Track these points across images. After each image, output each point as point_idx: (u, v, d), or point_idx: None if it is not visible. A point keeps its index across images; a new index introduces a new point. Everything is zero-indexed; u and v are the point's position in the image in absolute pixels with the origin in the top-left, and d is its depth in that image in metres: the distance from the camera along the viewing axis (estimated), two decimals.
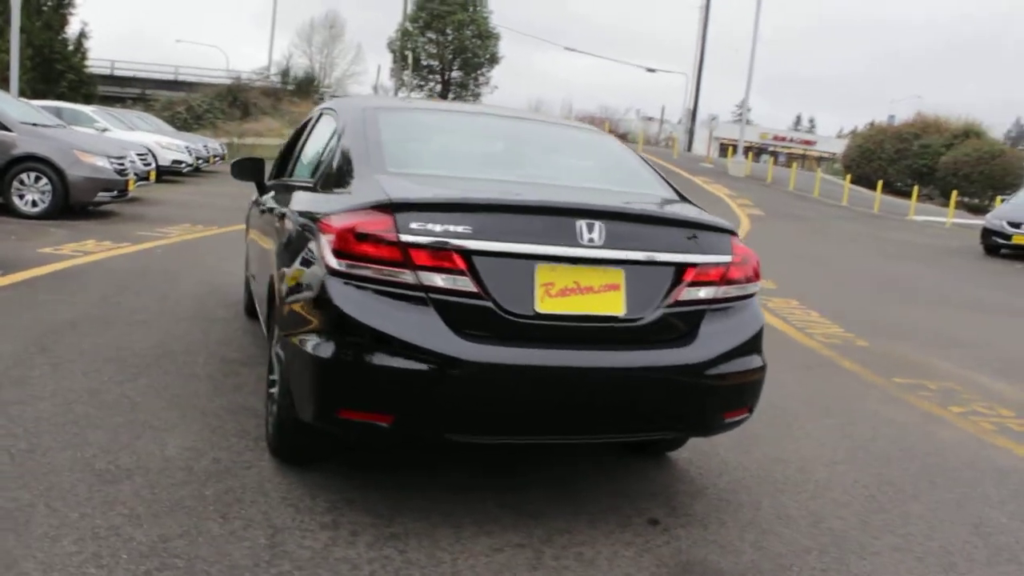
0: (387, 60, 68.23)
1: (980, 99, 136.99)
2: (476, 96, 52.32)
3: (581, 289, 2.92)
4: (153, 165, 13.05)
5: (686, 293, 3.08)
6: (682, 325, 3.08)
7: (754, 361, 3.23)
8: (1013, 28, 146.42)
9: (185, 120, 25.10)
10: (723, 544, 3.17)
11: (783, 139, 79.55)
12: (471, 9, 49.34)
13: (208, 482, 3.20)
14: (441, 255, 2.78)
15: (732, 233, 3.26)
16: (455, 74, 51.21)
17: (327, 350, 2.81)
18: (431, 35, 49.45)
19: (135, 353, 4.79)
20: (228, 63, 73.32)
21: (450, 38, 49.65)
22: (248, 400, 4.19)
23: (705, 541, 3.18)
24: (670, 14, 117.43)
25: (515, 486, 3.47)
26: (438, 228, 2.78)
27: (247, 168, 5.24)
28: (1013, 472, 4.36)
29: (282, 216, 3.70)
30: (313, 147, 4.16)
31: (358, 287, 2.81)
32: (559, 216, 2.92)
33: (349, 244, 2.81)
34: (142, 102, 29.94)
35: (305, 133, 4.48)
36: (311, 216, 3.18)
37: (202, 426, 3.77)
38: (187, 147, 17.10)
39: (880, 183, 31.01)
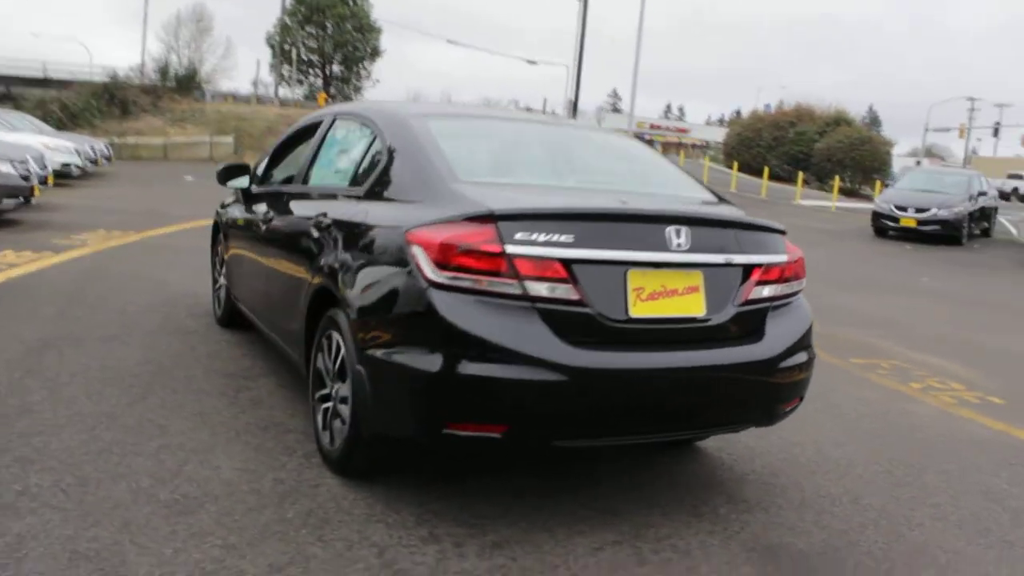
0: (264, 55, 66.01)
1: (836, 86, 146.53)
2: (357, 90, 51.43)
3: (667, 292, 3.01)
4: (49, 169, 12.16)
5: (754, 292, 3.22)
6: (751, 323, 3.22)
7: (808, 353, 3.41)
8: (865, 19, 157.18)
9: (60, 120, 23.45)
10: (790, 526, 3.34)
11: (658, 127, 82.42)
12: (352, 3, 48.41)
13: (284, 504, 3.09)
14: (544, 264, 2.80)
15: (784, 233, 3.42)
16: (336, 68, 50.15)
17: (434, 363, 2.78)
18: (311, 29, 48.16)
19: (128, 372, 4.52)
20: (91, 58, 68.91)
21: (330, 32, 48.53)
22: (274, 415, 4.04)
23: (774, 525, 3.34)
24: (550, 7, 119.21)
25: (580, 485, 3.52)
26: (541, 238, 2.81)
27: (235, 174, 5.04)
28: (988, 442, 4.77)
29: (326, 225, 3.57)
30: (341, 154, 4.03)
31: (463, 299, 2.78)
32: (650, 223, 3.02)
33: (452, 256, 2.79)
34: (8, 100, 27.78)
35: (316, 139, 4.32)
36: (387, 227, 3.10)
37: (242, 446, 3.62)
38: (76, 148, 16.01)
39: (767, 170, 32.54)
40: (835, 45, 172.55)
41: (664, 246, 3.00)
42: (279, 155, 5.20)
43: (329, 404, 3.45)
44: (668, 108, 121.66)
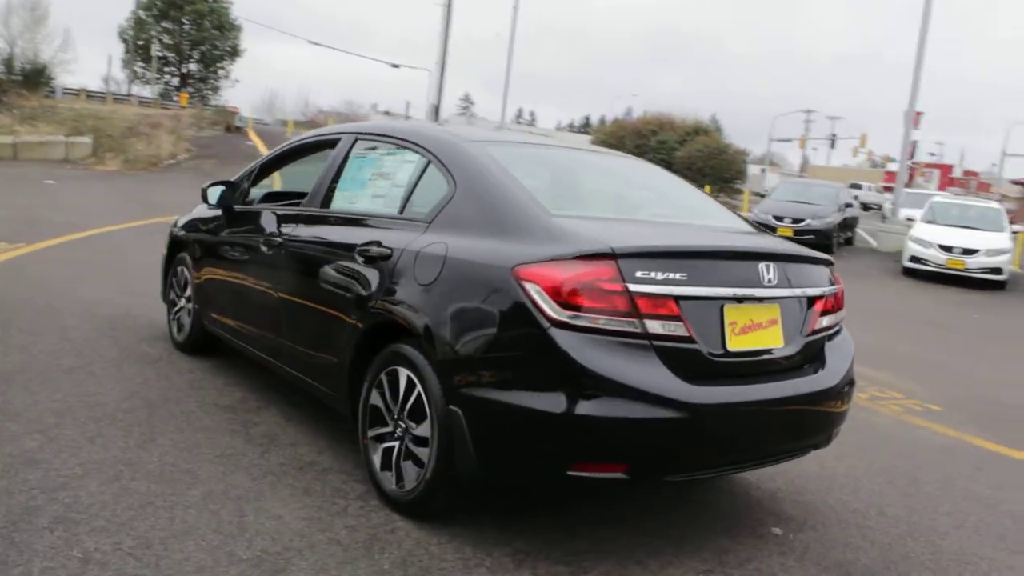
0: (114, 49, 61.70)
1: (685, 96, 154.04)
2: (216, 90, 49.21)
3: (754, 326, 3.10)
4: None
5: (818, 322, 3.36)
6: (815, 352, 3.37)
7: (854, 379, 3.59)
8: (705, 30, 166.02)
9: None
10: (844, 543, 3.52)
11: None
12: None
13: (374, 554, 2.92)
14: (661, 302, 2.82)
15: (832, 264, 3.59)
16: (193, 67, 47.75)
17: (559, 404, 2.72)
18: (167, 25, 45.60)
19: (118, 409, 4.12)
20: None
21: (188, 29, 46.16)
22: (301, 453, 3.81)
23: (830, 542, 3.50)
24: (409, 9, 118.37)
25: (638, 514, 3.54)
26: (659, 276, 2.83)
27: (216, 192, 4.74)
28: (952, 449, 5.19)
29: (381, 255, 3.40)
30: (377, 179, 3.84)
31: (585, 338, 2.75)
32: (747, 260, 3.10)
33: (574, 294, 2.75)
34: None
35: (334, 160, 4.09)
36: (482, 262, 2.99)
37: (288, 490, 3.40)
38: None
39: None
40: (679, 57, 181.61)
41: (757, 281, 3.09)
42: (265, 173, 4.92)
43: (391, 444, 3.30)
44: (519, 112, 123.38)
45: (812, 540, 3.50)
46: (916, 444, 5.17)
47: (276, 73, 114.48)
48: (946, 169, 67.79)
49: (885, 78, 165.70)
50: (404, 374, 3.23)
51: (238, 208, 4.82)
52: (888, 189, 53.57)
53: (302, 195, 5.16)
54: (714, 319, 2.98)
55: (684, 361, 2.87)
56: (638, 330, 2.79)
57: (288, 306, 4.04)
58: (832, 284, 3.51)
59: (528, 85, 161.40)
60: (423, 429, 3.13)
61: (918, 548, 3.55)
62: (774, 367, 3.19)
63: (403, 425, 3.25)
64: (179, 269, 5.44)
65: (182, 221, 5.61)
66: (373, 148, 4.00)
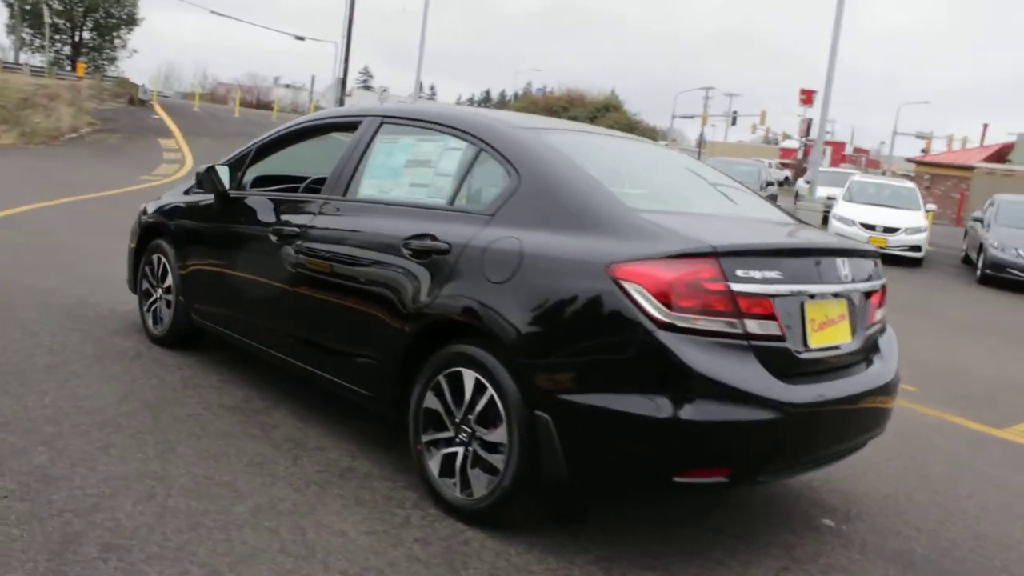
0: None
1: (585, 70, 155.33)
2: (111, 60, 46.50)
3: (829, 322, 3.06)
4: None
5: (875, 315, 3.36)
6: (873, 345, 3.37)
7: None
8: (607, 5, 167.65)
9: None
10: (894, 532, 3.56)
11: None
12: None
13: (457, 569, 2.75)
14: (758, 301, 2.76)
15: (879, 256, 3.59)
16: (87, 35, 44.90)
17: (666, 409, 2.61)
18: None
19: (118, 414, 3.77)
20: None
21: None
22: (334, 459, 3.57)
23: (882, 532, 3.53)
24: None
25: (696, 511, 3.48)
26: (757, 275, 2.77)
27: (212, 176, 4.39)
28: (940, 428, 5.37)
29: (436, 249, 3.18)
30: (416, 167, 3.58)
31: (689, 339, 2.64)
32: (827, 256, 3.07)
33: (678, 294, 2.64)
34: None
35: (356, 145, 3.80)
36: (568, 258, 2.83)
37: (339, 501, 3.17)
38: None
39: None
40: (581, 33, 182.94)
41: (836, 278, 3.06)
42: (262, 156, 4.58)
43: (453, 450, 3.12)
44: (420, 86, 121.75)
45: (865, 530, 3.52)
46: (905, 425, 5.31)
47: (175, 44, 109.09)
48: (838, 146, 70.63)
49: (784, 58, 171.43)
50: (470, 376, 3.04)
51: (234, 193, 4.47)
52: (785, 166, 55.51)
53: (294, 179, 4.89)
54: (797, 316, 2.92)
55: (777, 360, 2.81)
56: (738, 330, 2.71)
57: (310, 302, 3.76)
58: (880, 277, 3.51)
59: (428, 58, 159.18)
60: (497, 435, 2.96)
61: (960, 535, 3.62)
62: (843, 363, 3.17)
63: (468, 430, 3.07)
64: (155, 258, 5.03)
65: (155, 206, 5.19)
66: (404, 133, 3.75)
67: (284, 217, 4.01)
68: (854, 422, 3.17)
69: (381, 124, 3.82)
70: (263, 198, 4.29)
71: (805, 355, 2.94)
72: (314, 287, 3.75)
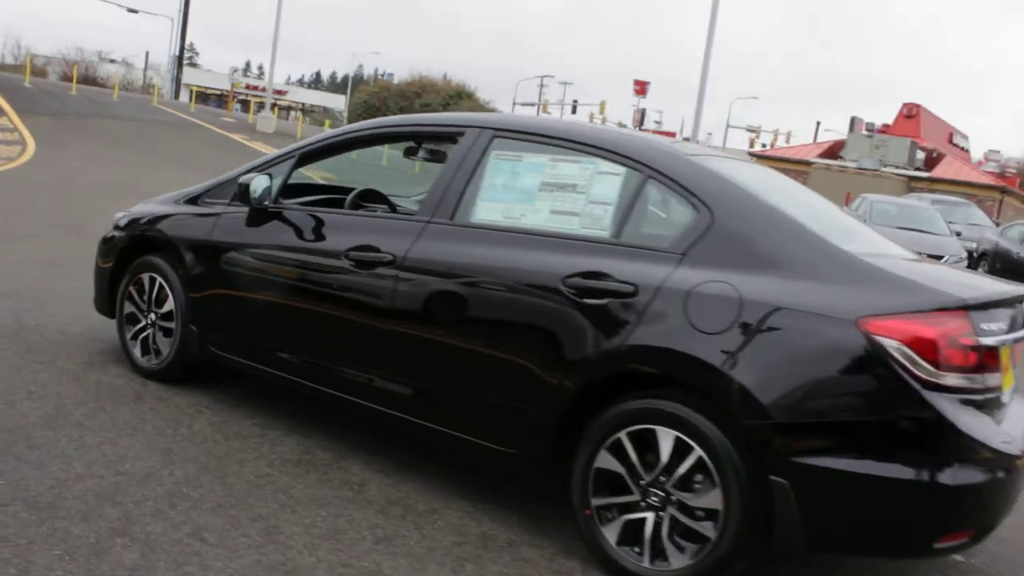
0: None
1: (423, 55, 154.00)
2: None
3: (1005, 367, 2.97)
4: None
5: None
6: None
7: None
8: None
9: None
10: (994, 554, 3.53)
11: (257, 88, 78.50)
12: None
13: None
14: (992, 353, 2.64)
15: None
16: None
17: (932, 473, 2.44)
18: None
19: (172, 480, 3.08)
20: None
21: None
22: (458, 523, 3.10)
23: (995, 559, 3.50)
24: None
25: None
26: (993, 327, 2.66)
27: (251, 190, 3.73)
28: None
29: (607, 289, 2.79)
30: (558, 191, 3.10)
31: (951, 398, 2.48)
32: (1018, 304, 2.97)
33: (943, 352, 2.47)
34: None
35: (463, 162, 3.28)
36: (804, 310, 2.56)
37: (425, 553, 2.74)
38: None
39: None
40: (415, 16, 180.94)
41: (1018, 324, 2.96)
42: (306, 163, 3.94)
43: (639, 515, 2.76)
44: (248, 65, 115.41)
45: (985, 565, 3.48)
46: None
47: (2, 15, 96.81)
48: (668, 136, 74.37)
49: (622, 48, 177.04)
50: (667, 435, 2.70)
51: (273, 208, 3.81)
52: None
53: (326, 190, 4.30)
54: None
55: (995, 412, 2.70)
56: (979, 385, 2.58)
57: (414, 343, 3.24)
58: None
59: (257, 38, 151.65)
60: (707, 500, 2.64)
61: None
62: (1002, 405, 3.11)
63: (661, 494, 2.73)
64: (145, 277, 4.23)
65: (139, 216, 4.39)
66: (528, 151, 3.28)
67: (363, 241, 3.43)
68: None
69: (493, 138, 3.34)
70: (319, 215, 3.68)
71: (1003, 403, 2.83)
72: (421, 326, 3.23)
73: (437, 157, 4.39)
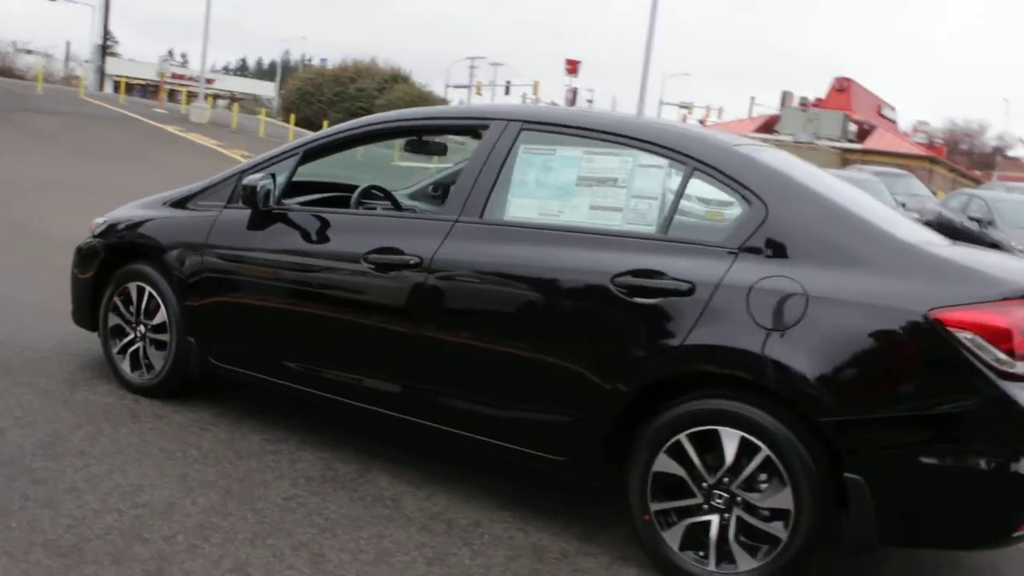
0: None
1: (350, 40, 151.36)
2: None
3: None
4: None
5: None
6: None
7: None
8: None
9: None
10: None
11: (183, 77, 76.00)
12: None
13: None
14: None
15: None
16: None
17: (1012, 463, 2.42)
18: None
19: (197, 510, 2.87)
20: None
21: None
22: (505, 535, 2.97)
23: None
24: None
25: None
26: None
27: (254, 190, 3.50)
28: None
29: (656, 288, 2.68)
30: (595, 186, 2.95)
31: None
32: None
33: (1014, 341, 2.43)
34: None
35: (488, 157, 3.09)
36: (868, 302, 2.50)
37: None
38: None
39: (326, 124, 32.52)
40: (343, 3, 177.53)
41: None
42: (311, 159, 3.72)
43: (702, 519, 2.68)
44: (171, 53, 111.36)
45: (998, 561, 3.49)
46: None
47: None
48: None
49: (554, 28, 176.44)
50: (732, 436, 2.61)
51: (277, 209, 3.58)
52: None
53: (322, 187, 4.09)
54: None
55: None
56: None
57: (447, 349, 3.08)
58: None
59: (181, 25, 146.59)
60: (777, 500, 2.56)
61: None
62: None
63: (725, 495, 2.64)
64: (132, 287, 3.96)
65: (119, 221, 4.11)
66: (560, 143, 3.13)
67: (384, 243, 3.24)
68: None
69: (521, 131, 3.18)
70: (330, 216, 3.47)
71: None
72: (457, 332, 3.07)
73: (429, 150, 4.23)
